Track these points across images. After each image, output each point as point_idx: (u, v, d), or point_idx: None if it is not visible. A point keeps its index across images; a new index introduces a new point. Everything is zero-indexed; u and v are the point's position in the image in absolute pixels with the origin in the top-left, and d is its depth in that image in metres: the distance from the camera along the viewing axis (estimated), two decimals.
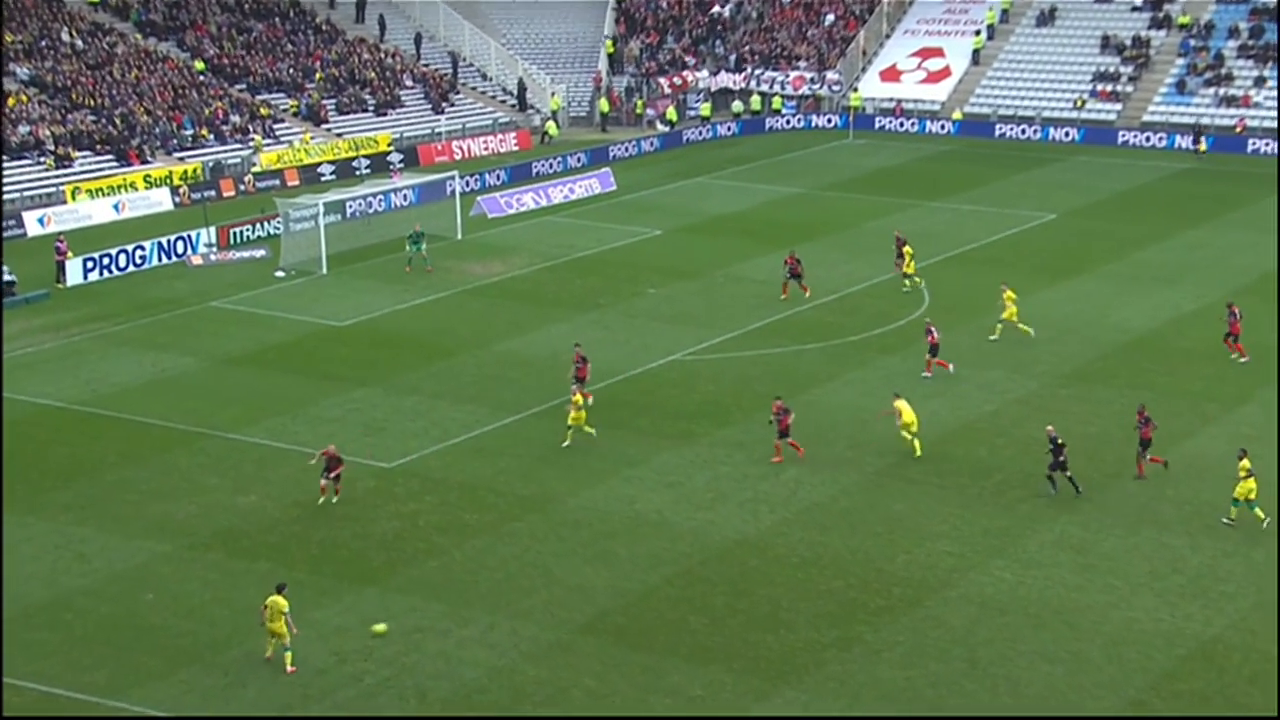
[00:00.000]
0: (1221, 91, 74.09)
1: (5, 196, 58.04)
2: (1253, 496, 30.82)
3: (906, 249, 48.70)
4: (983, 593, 28.64)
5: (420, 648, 26.56)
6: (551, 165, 68.00)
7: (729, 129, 77.46)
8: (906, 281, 48.34)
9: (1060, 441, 32.74)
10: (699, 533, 31.21)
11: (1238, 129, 72.23)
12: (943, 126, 77.31)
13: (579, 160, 69.09)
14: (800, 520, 31.81)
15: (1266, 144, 70.37)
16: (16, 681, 25.17)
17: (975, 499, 32.88)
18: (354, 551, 30.30)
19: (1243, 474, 31.35)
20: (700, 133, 76.59)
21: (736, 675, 25.73)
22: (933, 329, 40.63)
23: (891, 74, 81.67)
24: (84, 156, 62.40)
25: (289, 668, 25.49)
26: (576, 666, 25.99)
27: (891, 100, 79.82)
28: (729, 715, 24.61)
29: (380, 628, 26.59)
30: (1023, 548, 30.48)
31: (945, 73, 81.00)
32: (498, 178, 65.37)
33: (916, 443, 34.64)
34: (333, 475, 32.26)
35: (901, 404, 34.82)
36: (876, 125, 78.15)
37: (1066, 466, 32.66)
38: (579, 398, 35.70)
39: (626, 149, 72.20)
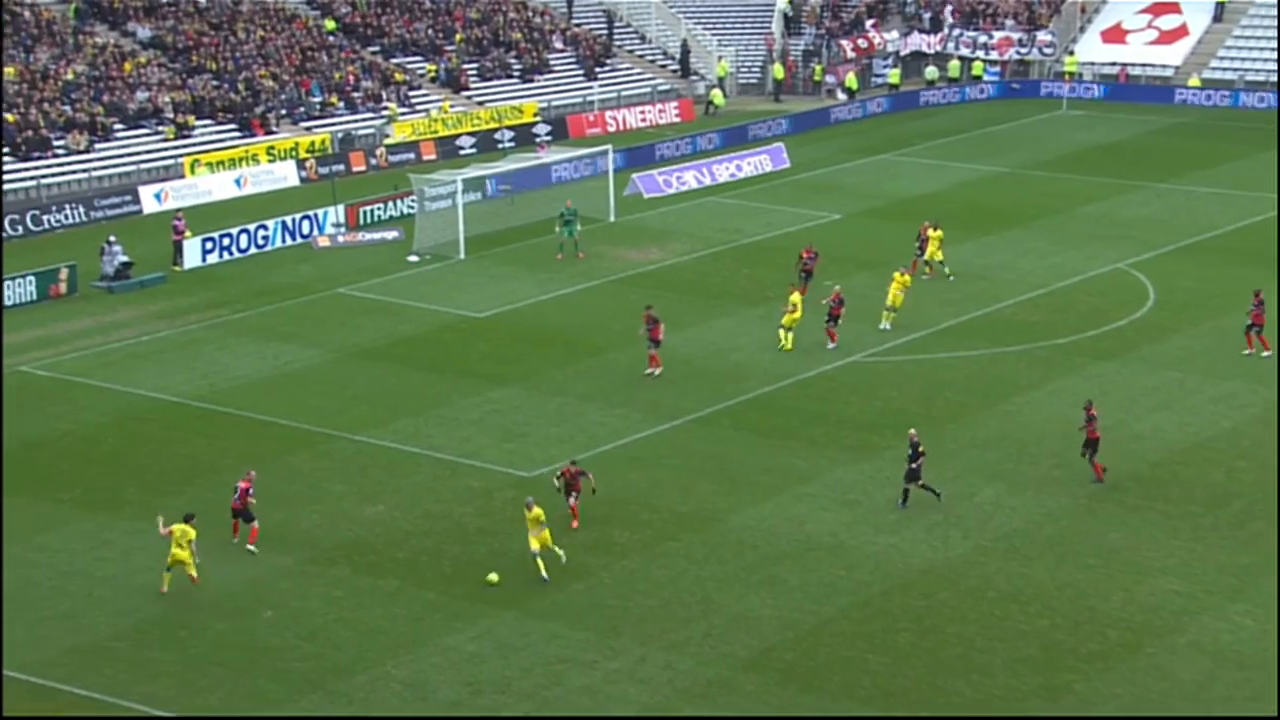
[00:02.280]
0: None
1: (121, 170, 60.21)
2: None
3: (935, 232, 47.90)
4: (1218, 641, 27.91)
5: (563, 681, 26.84)
6: (717, 139, 68.07)
7: (926, 100, 76.68)
8: (927, 268, 47.52)
9: (920, 449, 32.54)
10: (880, 559, 30.98)
11: None
12: (1177, 95, 75.43)
13: (751, 134, 69.07)
14: (998, 548, 31.37)
15: None
16: (129, 704, 26.09)
17: (1209, 530, 32.06)
18: (491, 570, 30.70)
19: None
20: (887, 103, 75.94)
21: None
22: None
23: (1115, 34, 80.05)
24: (204, 126, 64.42)
25: (194, 576, 29.06)
26: (739, 707, 26.00)
27: (1115, 65, 78.26)
28: None
29: (494, 577, 28.30)
30: (1267, 589, 29.62)
31: (1181, 32, 79.08)
32: (656, 153, 65.67)
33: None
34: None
35: None
36: (1096, 94, 76.67)
37: (920, 476, 32.48)
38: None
39: (802, 122, 71.96)
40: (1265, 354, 40.87)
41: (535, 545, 30.00)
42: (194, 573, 29.36)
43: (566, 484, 32.12)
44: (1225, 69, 76.46)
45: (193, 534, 29.37)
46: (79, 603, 29.28)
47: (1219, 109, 73.68)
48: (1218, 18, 79.06)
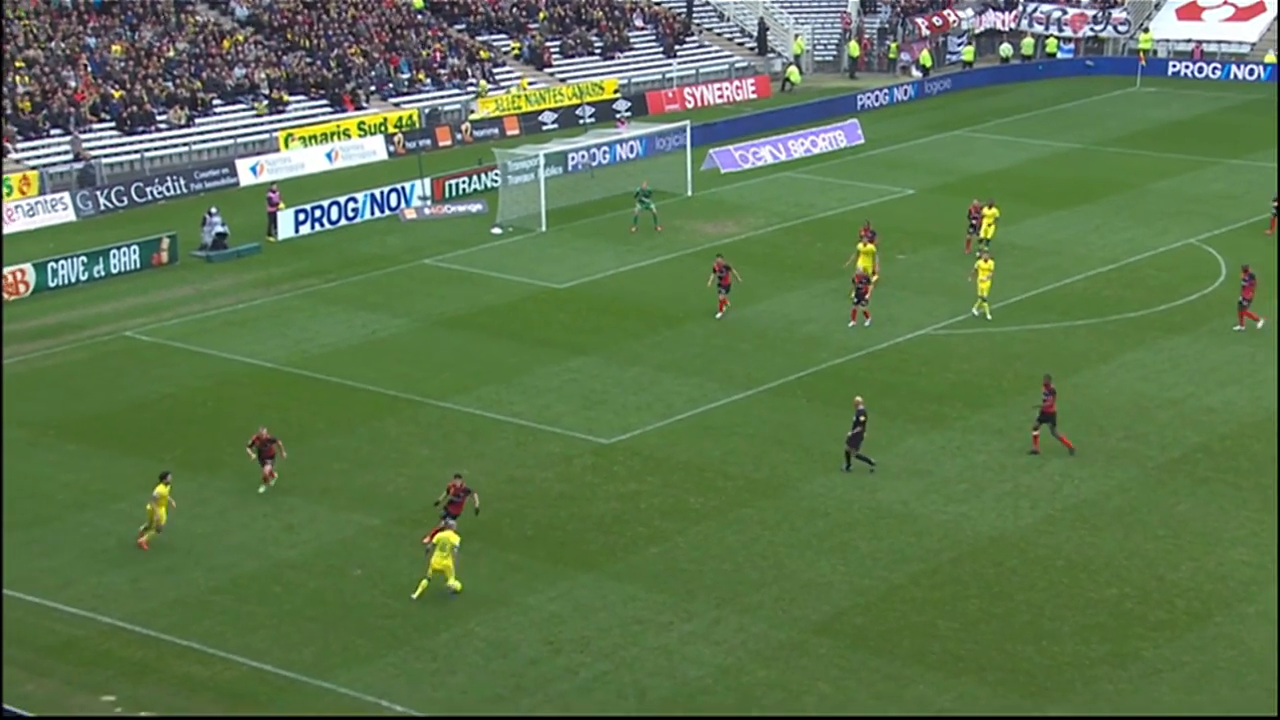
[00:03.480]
0: None
1: (219, 144, 60.86)
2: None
3: (991, 210, 47.06)
4: None
5: (639, 641, 26.94)
6: (792, 115, 67.68)
7: (998, 76, 75.85)
8: (983, 246, 46.19)
9: (863, 417, 32.38)
10: (950, 528, 30.82)
11: None
12: (1252, 72, 74.22)
13: (824, 110, 68.65)
14: (1067, 518, 31.11)
15: None
16: (228, 655, 26.51)
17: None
18: (570, 534, 30.87)
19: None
20: (961, 80, 75.16)
21: (991, 689, 25.36)
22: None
23: (1191, 11, 78.66)
24: (298, 101, 64.91)
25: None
26: (810, 670, 25.99)
27: (1190, 42, 76.97)
28: None
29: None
30: None
31: (1258, 8, 77.59)
32: (733, 129, 65.41)
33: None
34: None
35: None
36: (1170, 71, 75.58)
37: (860, 443, 32.34)
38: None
39: (876, 98, 71.48)
40: (1258, 324, 40.81)
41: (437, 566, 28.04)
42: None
43: (450, 501, 29.50)
44: None
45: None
46: (180, 558, 29.74)
47: None
48: None
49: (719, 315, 42.53)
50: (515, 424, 36.07)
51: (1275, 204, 49.23)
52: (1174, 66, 75.74)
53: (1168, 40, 77.52)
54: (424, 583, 28.10)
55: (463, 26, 73.88)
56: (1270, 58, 74.27)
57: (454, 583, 28.11)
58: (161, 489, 29.82)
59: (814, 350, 40.53)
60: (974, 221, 47.76)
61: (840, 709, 24.93)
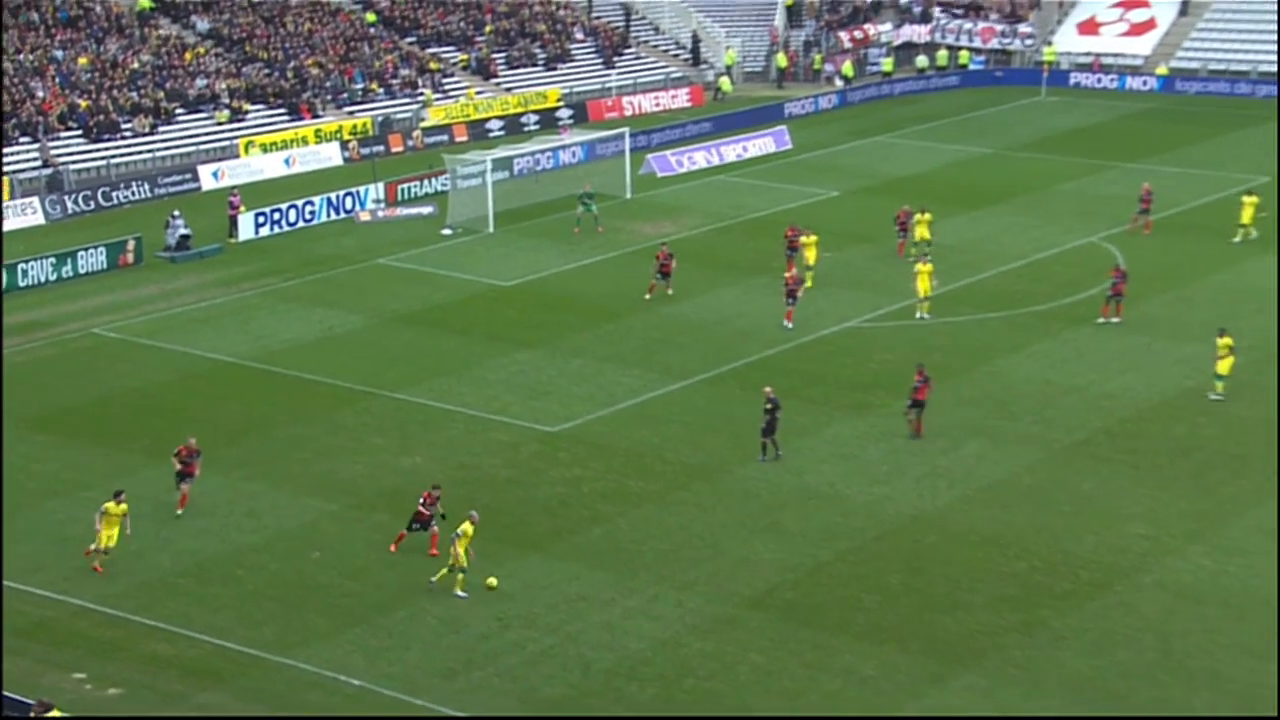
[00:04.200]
0: None
1: (182, 150, 60.14)
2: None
3: (924, 215, 47.34)
4: (1179, 580, 27.87)
5: (583, 616, 26.89)
6: (724, 122, 67.74)
7: (915, 85, 76.23)
8: (913, 249, 46.49)
9: (772, 407, 32.38)
10: (873, 507, 30.96)
11: None
12: (1145, 83, 74.96)
13: (754, 118, 68.74)
14: (981, 497, 31.32)
15: None
16: (193, 634, 26.23)
17: (1172, 480, 31.99)
18: (517, 517, 30.76)
19: (1223, 352, 34.22)
20: (881, 89, 75.50)
21: (911, 656, 25.50)
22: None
23: (1090, 26, 79.38)
24: (257, 110, 64.26)
25: (98, 567, 27.84)
26: (744, 642, 26.03)
27: (1089, 55, 77.60)
28: (903, 697, 24.42)
29: (492, 581, 27.45)
30: (1224, 533, 29.56)
31: (1150, 25, 78.39)
32: (669, 135, 65.39)
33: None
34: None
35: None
36: (1072, 82, 76.17)
37: (774, 431, 32.33)
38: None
39: (803, 106, 71.63)
40: (1115, 320, 40.79)
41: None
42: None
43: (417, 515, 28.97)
44: (1190, 59, 75.80)
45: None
46: (147, 542, 29.36)
47: (1183, 97, 73.04)
48: (1183, 11, 78.35)
49: (647, 297, 43.06)
50: (465, 414, 35.91)
51: (1141, 206, 49.67)
52: (1075, 77, 76.30)
53: (1069, 53, 78.14)
54: (444, 571, 27.39)
55: (413, 39, 73.40)
56: (1162, 70, 75.08)
57: (461, 577, 27.23)
58: (111, 505, 28.09)
59: (746, 343, 40.58)
60: (902, 227, 47.73)
61: (771, 678, 24.99)
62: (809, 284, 43.39)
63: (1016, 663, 25.30)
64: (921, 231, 47.42)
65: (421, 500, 29.02)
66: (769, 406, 32.84)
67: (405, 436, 34.69)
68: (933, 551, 29.11)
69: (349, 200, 54.37)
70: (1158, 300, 42.85)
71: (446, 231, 51.91)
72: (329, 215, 53.66)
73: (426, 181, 56.64)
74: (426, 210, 54.40)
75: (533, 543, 29.65)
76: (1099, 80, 75.88)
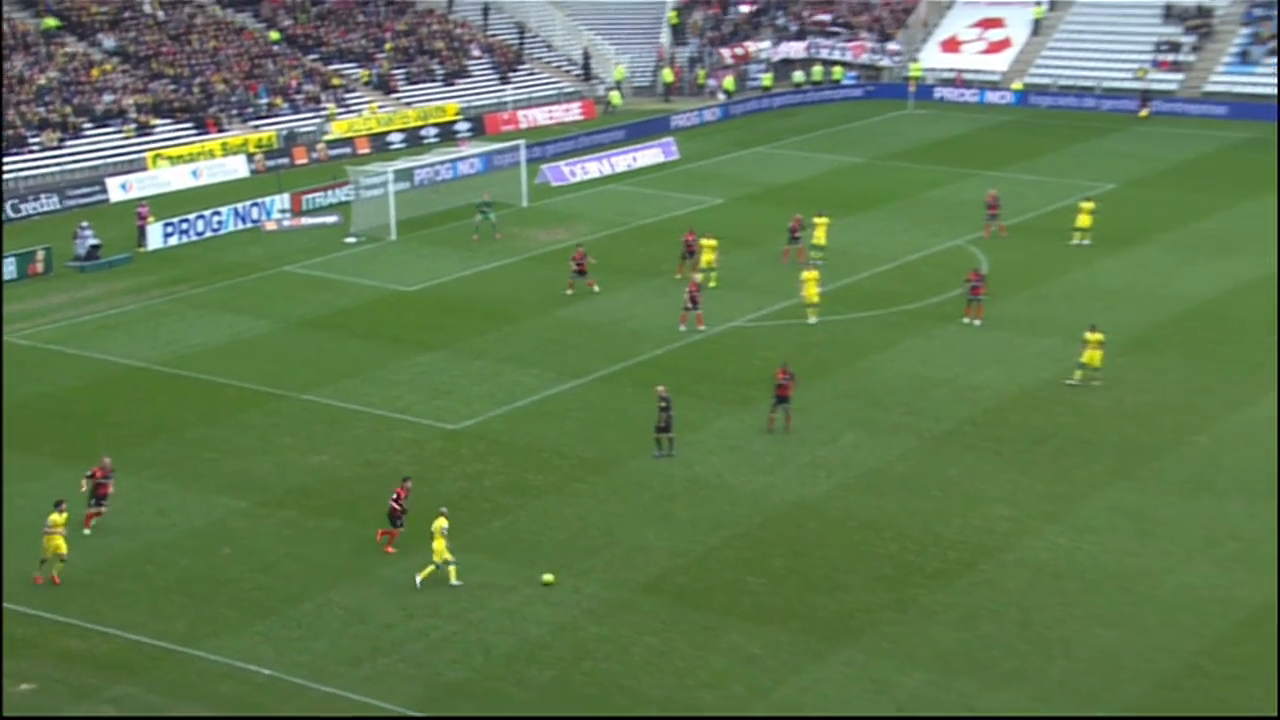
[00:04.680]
0: None
1: (90, 164, 58.79)
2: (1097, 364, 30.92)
3: (822, 219, 47.29)
4: (1038, 557, 28.42)
5: (485, 604, 26.77)
6: (615, 134, 67.81)
7: (792, 99, 76.91)
8: (814, 252, 47.10)
9: (665, 405, 32.45)
10: (758, 496, 31.18)
11: None
12: (1003, 97, 76.28)
13: (642, 130, 68.89)
14: (857, 484, 31.69)
15: None
16: (105, 629, 25.70)
17: (1031, 465, 32.59)
18: (422, 510, 30.36)
19: (1092, 345, 35.33)
20: (761, 103, 76.07)
21: (794, 635, 25.74)
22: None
23: (952, 45, 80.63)
24: (164, 124, 63.02)
25: (55, 578, 26.99)
26: (637, 625, 26.09)
27: (952, 71, 78.84)
28: (786, 673, 24.63)
29: (548, 578, 27.11)
30: (1078, 513, 30.21)
31: (1006, 43, 79.84)
32: (562, 146, 65.30)
33: None
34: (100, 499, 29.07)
35: None
36: (936, 95, 77.25)
37: (670, 428, 32.37)
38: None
39: (688, 119, 71.84)
40: (977, 323, 40.97)
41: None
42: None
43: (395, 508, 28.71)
44: (1042, 75, 77.37)
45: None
46: None
47: (1037, 110, 74.49)
48: (1035, 31, 79.95)
49: (568, 292, 43.72)
50: (370, 413, 35.56)
51: (990, 212, 50.56)
52: (939, 92, 77.42)
53: (934, 69, 79.28)
54: (430, 568, 27.11)
55: (316, 56, 72.46)
56: (1017, 85, 76.56)
57: (453, 569, 27.05)
58: (55, 517, 27.23)
59: (638, 342, 40.65)
60: (794, 234, 47.81)
61: (663, 658, 25.08)
62: (713, 284, 43.60)
63: (891, 638, 25.64)
64: (820, 235, 47.69)
65: (394, 496, 28.67)
66: (663, 405, 32.90)
67: (313, 435, 34.26)
68: (813, 536, 29.40)
69: (255, 210, 53.55)
70: (1016, 299, 43.65)
71: (350, 240, 51.34)
72: (236, 225, 52.80)
73: (330, 192, 55.94)
74: (331, 219, 53.74)
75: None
76: (961, 94, 77.09)
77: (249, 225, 53.02)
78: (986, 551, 28.65)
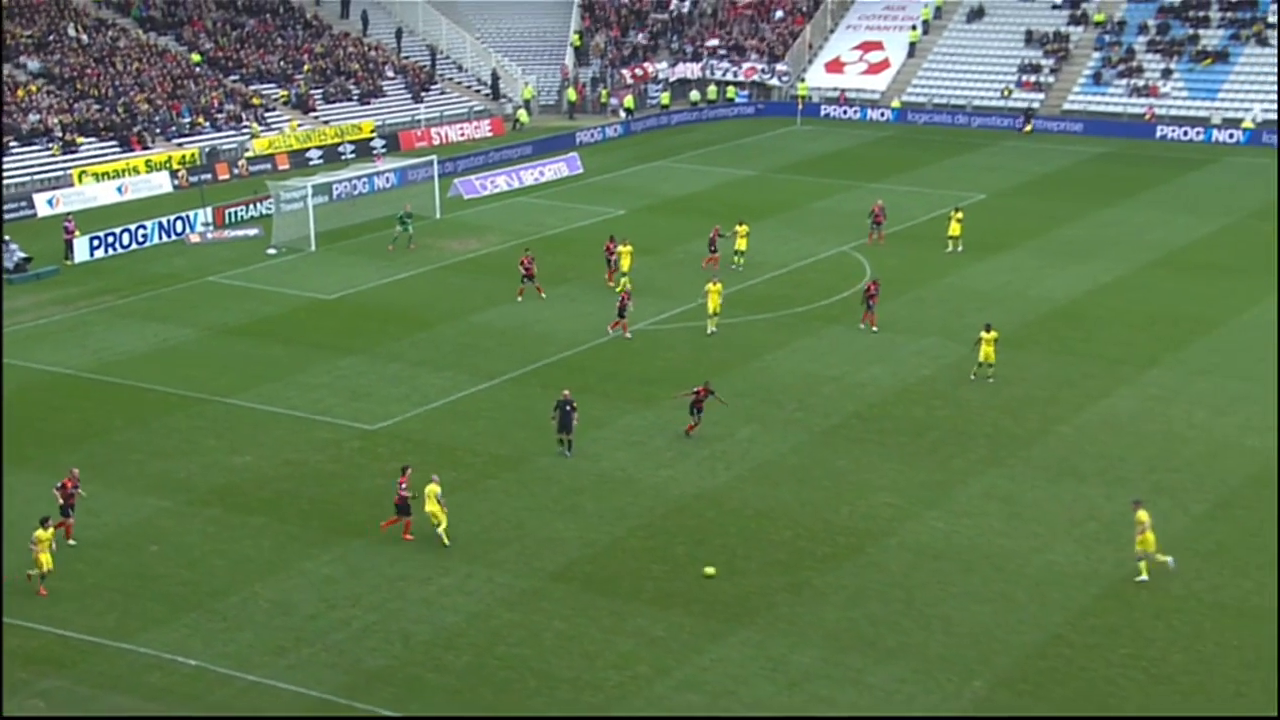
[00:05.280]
0: (1132, 82, 74.43)
1: (17, 180, 57.21)
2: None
3: (742, 227, 47.50)
4: (919, 540, 28.77)
5: (404, 595, 26.47)
6: (523, 150, 67.53)
7: (689, 116, 77.18)
8: (736, 258, 47.51)
9: (570, 406, 32.13)
10: (661, 488, 31.20)
11: (1147, 117, 72.62)
12: (882, 114, 77.28)
13: (549, 146, 68.73)
14: (753, 476, 31.84)
15: (1173, 130, 70.87)
16: (34, 625, 24.99)
17: (913, 455, 32.98)
18: (341, 507, 30.13)
19: (987, 343, 35.51)
20: (659, 120, 76.26)
21: (695, 617, 25.77)
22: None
23: (835, 66, 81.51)
24: (89, 142, 61.58)
25: (42, 590, 26.00)
26: (548, 611, 25.96)
27: (836, 90, 79.68)
28: (688, 653, 24.66)
29: (710, 570, 26.93)
30: (955, 499, 30.63)
31: (884, 64, 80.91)
32: (473, 161, 64.88)
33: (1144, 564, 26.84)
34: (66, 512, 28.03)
35: (1145, 515, 26.96)
36: (822, 113, 78.01)
37: (570, 429, 32.04)
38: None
39: (592, 135, 71.80)
40: (874, 330, 40.90)
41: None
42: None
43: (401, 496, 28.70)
44: (918, 94, 78.52)
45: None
46: None
47: (914, 126, 75.52)
48: (911, 54, 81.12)
49: (519, 299, 43.46)
50: (292, 415, 35.02)
51: (874, 221, 51.25)
52: (825, 109, 78.22)
53: (819, 88, 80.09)
54: (442, 530, 27.95)
55: (236, 77, 71.24)
56: (896, 103, 77.58)
57: (443, 532, 27.65)
58: (41, 533, 26.17)
59: (545, 345, 40.50)
60: (712, 244, 47.73)
61: (573, 642, 24.99)
62: (628, 287, 43.60)
63: (785, 618, 25.79)
64: (741, 242, 47.89)
65: (399, 484, 28.45)
66: (568, 407, 32.74)
67: (236, 437, 33.65)
68: (712, 525, 29.48)
69: (179, 224, 52.50)
70: (897, 301, 44.16)
71: (272, 251, 50.54)
72: (160, 238, 51.71)
73: (252, 206, 55.03)
74: (252, 232, 52.87)
75: (356, 530, 29.06)
76: (844, 112, 77.95)
77: (173, 238, 51.96)
78: (872, 536, 28.94)
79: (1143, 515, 26.72)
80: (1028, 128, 72.60)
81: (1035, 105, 74.46)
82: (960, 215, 50.79)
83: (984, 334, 37.09)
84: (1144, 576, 26.62)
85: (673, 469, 32.16)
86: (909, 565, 27.70)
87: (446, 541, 27.79)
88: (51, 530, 26.43)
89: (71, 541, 28.08)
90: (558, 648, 24.78)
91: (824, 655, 24.57)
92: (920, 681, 23.82)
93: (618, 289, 43.11)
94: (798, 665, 24.28)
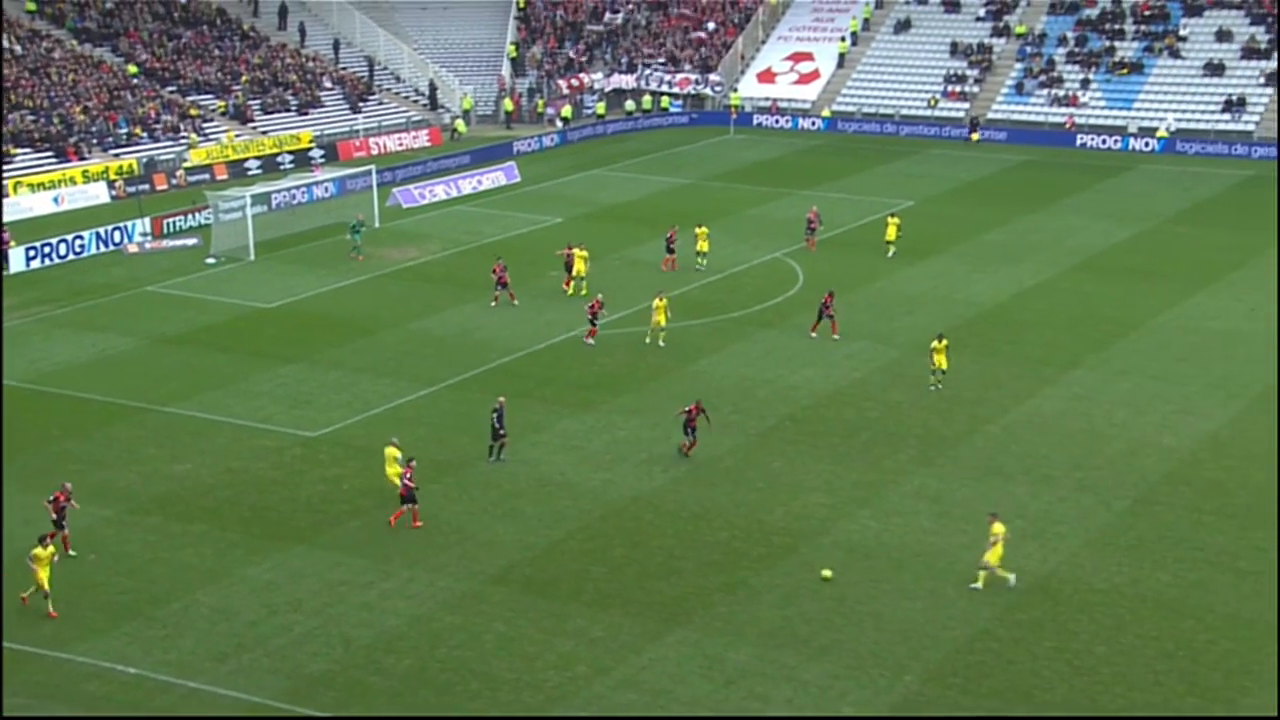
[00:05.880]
0: (1053, 92, 75.63)
1: None
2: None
3: (701, 229, 48.31)
4: (851, 539, 29.03)
5: (345, 599, 26.31)
6: (461, 159, 67.31)
7: (625, 126, 77.32)
8: (700, 259, 48.37)
9: (499, 413, 32.10)
10: (599, 491, 31.24)
11: (1068, 125, 73.79)
12: (813, 123, 77.89)
13: (486, 155, 68.55)
14: (690, 478, 31.96)
15: (1092, 139, 72.06)
16: None
17: (845, 456, 33.26)
18: (282, 514, 29.87)
19: (939, 351, 35.32)
20: (595, 129, 76.35)
21: (633, 618, 25.84)
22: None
23: (767, 76, 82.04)
24: (25, 153, 60.53)
25: (51, 611, 25.25)
26: (488, 613, 25.92)
27: (767, 99, 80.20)
28: (626, 653, 24.71)
29: (827, 573, 26.84)
30: (886, 498, 30.95)
31: (815, 75, 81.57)
32: (412, 171, 64.56)
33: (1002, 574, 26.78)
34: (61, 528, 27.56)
35: (1000, 528, 26.92)
36: (755, 122, 78.45)
37: (500, 436, 32.04)
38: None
39: (529, 144, 71.73)
40: (835, 337, 40.87)
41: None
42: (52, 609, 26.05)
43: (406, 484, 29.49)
44: (848, 103, 79.24)
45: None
46: None
47: (844, 135, 76.17)
48: (840, 64, 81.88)
49: (493, 304, 43.53)
50: (232, 424, 34.66)
51: (810, 226, 51.70)
52: (757, 119, 78.69)
53: (751, 98, 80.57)
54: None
55: (174, 88, 70.37)
56: (826, 112, 78.25)
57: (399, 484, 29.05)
58: (39, 551, 25.40)
59: (485, 352, 40.40)
60: (671, 245, 48.28)
61: (513, 644, 24.96)
62: (584, 292, 43.89)
63: (721, 617, 25.92)
64: (702, 244, 48.40)
65: (405, 475, 28.75)
66: (494, 415, 32.50)
67: (176, 446, 33.25)
68: (650, 527, 29.57)
69: (117, 234, 51.78)
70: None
71: (211, 260, 49.99)
72: (98, 248, 50.96)
73: (191, 216, 54.40)
74: (191, 242, 52.26)
75: (298, 536, 28.84)
76: (777, 121, 78.47)
77: (111, 248, 51.24)
78: (806, 536, 29.15)
79: (998, 528, 26.71)
80: (975, 135, 73.25)
81: (978, 115, 75.15)
82: (897, 220, 51.33)
83: (935, 343, 36.98)
84: (978, 585, 26.61)
85: (610, 472, 32.21)
86: (841, 564, 27.94)
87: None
88: (51, 548, 25.64)
89: (72, 553, 27.57)
90: (498, 649, 24.74)
91: (759, 653, 24.73)
92: (853, 677, 24.04)
93: (575, 293, 43.20)
94: (734, 663, 24.42)
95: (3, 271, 47.75)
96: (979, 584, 26.75)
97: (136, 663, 23.94)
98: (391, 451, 29.65)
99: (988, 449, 33.61)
